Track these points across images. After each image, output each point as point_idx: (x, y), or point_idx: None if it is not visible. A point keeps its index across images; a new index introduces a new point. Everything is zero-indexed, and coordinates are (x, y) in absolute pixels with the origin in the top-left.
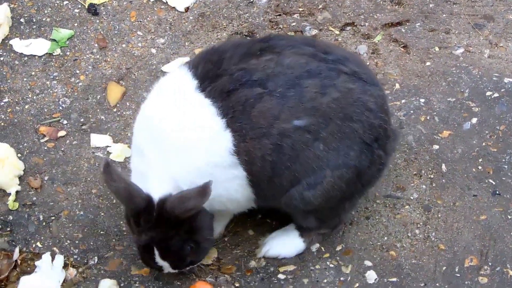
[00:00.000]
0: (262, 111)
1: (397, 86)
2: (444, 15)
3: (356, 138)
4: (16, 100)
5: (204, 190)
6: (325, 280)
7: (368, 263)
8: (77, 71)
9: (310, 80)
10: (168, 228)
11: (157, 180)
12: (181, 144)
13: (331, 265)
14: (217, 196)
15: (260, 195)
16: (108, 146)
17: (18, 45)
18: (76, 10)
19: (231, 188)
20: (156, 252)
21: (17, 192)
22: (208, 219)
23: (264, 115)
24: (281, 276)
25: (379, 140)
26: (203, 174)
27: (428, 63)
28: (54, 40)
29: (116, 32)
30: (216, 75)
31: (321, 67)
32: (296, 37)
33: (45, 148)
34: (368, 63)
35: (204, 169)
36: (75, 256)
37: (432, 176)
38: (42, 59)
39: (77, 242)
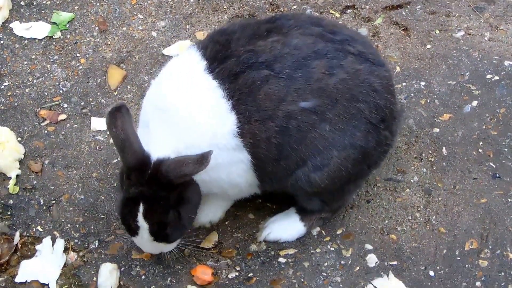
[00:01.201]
0: (268, 93)
1: (398, 69)
2: None
3: (363, 119)
4: (16, 83)
5: (203, 158)
6: (326, 264)
7: (368, 246)
8: (78, 54)
9: (317, 61)
10: (159, 188)
11: (159, 144)
12: (186, 123)
13: (332, 249)
14: (217, 179)
15: (265, 179)
16: None
17: (18, 28)
18: None
19: (233, 172)
20: (141, 209)
21: (17, 176)
22: (198, 198)
23: (270, 97)
24: (281, 260)
25: (385, 121)
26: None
27: (428, 46)
28: (55, 23)
29: (116, 15)
30: (224, 57)
31: (328, 48)
32: (303, 17)
33: (46, 131)
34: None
35: (207, 149)
36: (75, 240)
37: (432, 159)
38: (43, 43)
39: (77, 226)
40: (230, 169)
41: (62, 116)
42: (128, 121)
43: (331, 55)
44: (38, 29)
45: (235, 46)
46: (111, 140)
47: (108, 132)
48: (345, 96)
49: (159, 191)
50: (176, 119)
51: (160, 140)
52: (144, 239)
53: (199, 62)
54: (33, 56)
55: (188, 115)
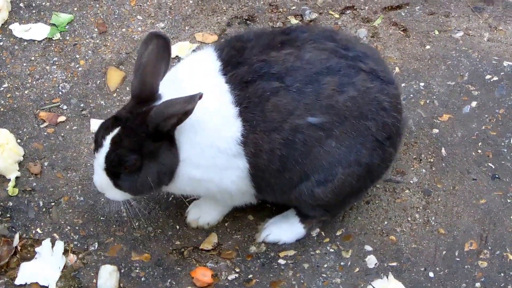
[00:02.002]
0: (276, 105)
1: (397, 69)
2: None
3: (369, 136)
4: (16, 85)
5: (191, 98)
6: (326, 265)
7: (368, 247)
8: (77, 56)
9: (329, 77)
10: (143, 129)
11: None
12: (193, 123)
13: (331, 250)
14: (208, 180)
15: (266, 190)
16: None
17: (18, 29)
18: None
19: (227, 177)
20: (115, 131)
21: (17, 178)
22: (167, 172)
23: (278, 109)
24: (281, 261)
25: (391, 138)
26: (203, 152)
27: (427, 47)
28: (54, 24)
29: (116, 16)
30: (238, 63)
31: (341, 64)
32: (318, 30)
33: (45, 133)
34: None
35: (207, 151)
36: (75, 242)
37: (432, 160)
38: (42, 44)
39: (77, 228)
40: (225, 173)
41: (62, 118)
42: (159, 53)
43: (343, 72)
44: (37, 31)
45: (249, 53)
46: None
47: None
48: (354, 114)
49: (141, 130)
50: None
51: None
52: (100, 163)
53: (214, 62)
54: (33, 58)
55: (197, 111)
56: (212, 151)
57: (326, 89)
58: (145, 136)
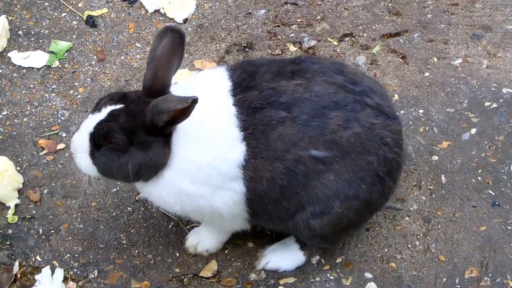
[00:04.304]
0: (282, 134)
1: (396, 96)
2: (442, 26)
3: (370, 171)
4: (15, 112)
5: (185, 99)
6: None
7: (368, 275)
8: (76, 84)
9: (336, 111)
10: (140, 118)
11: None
12: (195, 134)
13: (331, 277)
14: (200, 195)
15: (263, 216)
16: None
17: (17, 57)
18: (74, 22)
19: (220, 198)
20: (115, 106)
21: (16, 205)
22: (150, 169)
23: (282, 139)
24: None
25: (392, 173)
26: (201, 169)
27: (426, 74)
28: (53, 52)
29: (114, 44)
30: (248, 87)
31: (348, 99)
32: (327, 62)
33: (44, 161)
34: (366, 74)
35: (205, 169)
36: (75, 270)
37: (431, 187)
38: (41, 72)
39: (76, 255)
40: (219, 193)
41: (61, 146)
42: (173, 47)
43: (349, 107)
44: (36, 58)
45: (260, 79)
46: None
47: (153, 42)
48: (356, 150)
49: (140, 118)
50: (188, 125)
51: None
52: (88, 123)
53: (226, 82)
54: (31, 85)
55: (199, 126)
56: (210, 170)
57: (331, 124)
58: (141, 125)
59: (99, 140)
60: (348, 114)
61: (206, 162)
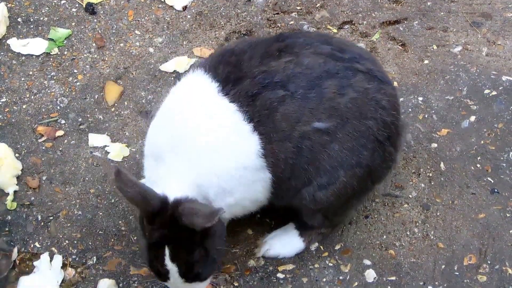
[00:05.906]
0: (285, 113)
1: (395, 84)
2: (442, 13)
3: (370, 136)
4: (14, 100)
5: (212, 215)
6: (324, 279)
7: (367, 262)
8: (75, 71)
9: (329, 80)
10: (181, 229)
11: (175, 181)
12: (207, 148)
13: (330, 264)
14: (242, 199)
15: (278, 197)
16: (106, 146)
17: (16, 44)
18: (74, 9)
19: (256, 190)
20: (167, 253)
21: (15, 192)
22: (222, 228)
23: (286, 118)
24: (280, 276)
25: (391, 138)
26: (232, 176)
27: (426, 61)
28: (52, 39)
29: (113, 31)
30: (238, 78)
31: (339, 67)
32: (312, 35)
33: (43, 148)
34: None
35: (234, 172)
36: (73, 256)
37: (430, 175)
38: (40, 59)
39: (75, 242)
40: (253, 187)
41: (60, 132)
42: (130, 176)
43: (341, 74)
44: (35, 46)
45: (247, 66)
46: (109, 156)
47: (121, 192)
48: (355, 115)
49: (181, 232)
50: (195, 147)
51: (177, 176)
52: (177, 282)
53: (210, 85)
54: (31, 73)
55: (208, 141)
56: (239, 171)
57: (327, 92)
58: (188, 232)
59: (193, 273)
60: (341, 81)
61: (233, 166)
